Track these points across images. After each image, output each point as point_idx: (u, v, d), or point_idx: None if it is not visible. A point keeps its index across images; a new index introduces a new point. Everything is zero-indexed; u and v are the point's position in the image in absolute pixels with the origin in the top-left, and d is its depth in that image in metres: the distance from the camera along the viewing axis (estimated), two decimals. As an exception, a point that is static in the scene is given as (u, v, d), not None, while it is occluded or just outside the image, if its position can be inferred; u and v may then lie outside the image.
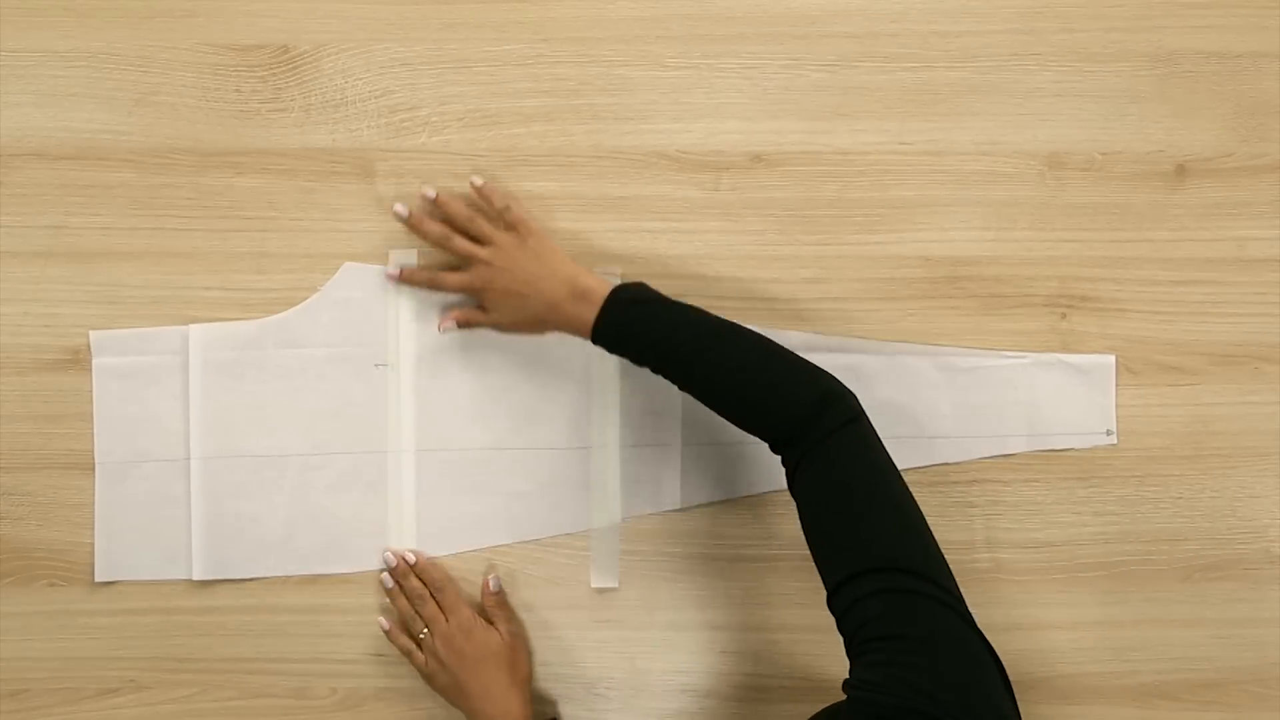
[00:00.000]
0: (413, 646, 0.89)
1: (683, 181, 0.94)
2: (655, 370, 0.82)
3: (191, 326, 0.92)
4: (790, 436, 0.77)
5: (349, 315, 0.93)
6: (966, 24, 0.94)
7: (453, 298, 0.91)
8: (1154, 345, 0.95)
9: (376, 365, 0.93)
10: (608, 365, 0.93)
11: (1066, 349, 0.95)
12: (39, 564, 0.92)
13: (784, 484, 0.93)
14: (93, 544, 0.92)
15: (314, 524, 0.93)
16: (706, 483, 0.94)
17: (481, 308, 0.89)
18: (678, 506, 0.93)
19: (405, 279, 0.91)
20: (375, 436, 0.93)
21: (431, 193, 0.90)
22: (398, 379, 0.93)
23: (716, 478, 0.94)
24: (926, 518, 0.95)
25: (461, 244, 0.88)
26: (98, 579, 0.92)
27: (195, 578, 0.92)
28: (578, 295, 0.83)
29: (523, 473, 0.93)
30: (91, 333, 0.92)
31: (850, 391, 0.79)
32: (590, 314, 0.82)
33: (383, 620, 0.91)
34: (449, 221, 0.90)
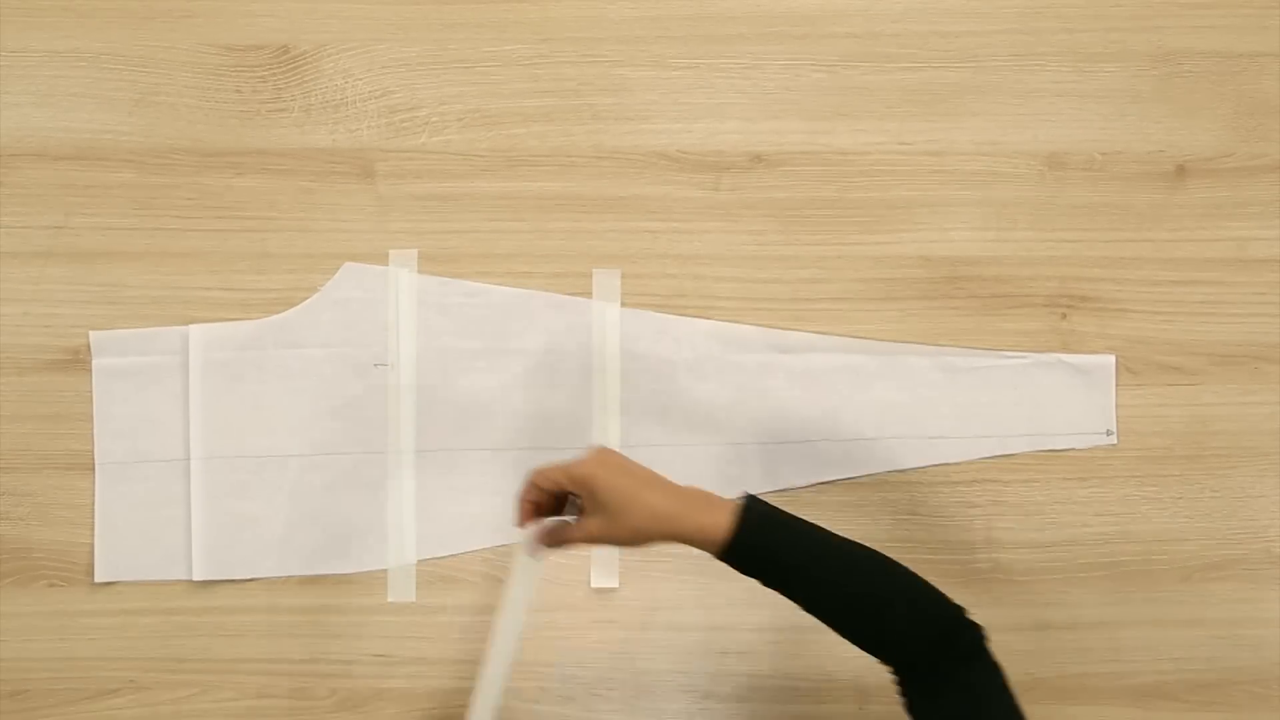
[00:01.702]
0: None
1: (683, 181, 0.94)
2: (785, 592, 0.75)
3: (191, 326, 0.92)
4: (910, 665, 0.73)
5: (349, 315, 0.93)
6: (966, 24, 0.95)
7: None
8: (1154, 345, 0.95)
9: (376, 365, 0.93)
10: (608, 366, 0.93)
11: (1067, 349, 0.95)
12: (39, 564, 0.92)
13: (784, 484, 0.94)
14: (93, 544, 0.92)
15: (314, 524, 0.93)
16: (707, 483, 0.93)
17: (580, 514, 0.74)
18: (678, 506, 0.93)
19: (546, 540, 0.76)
20: (375, 436, 0.93)
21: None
22: (398, 379, 0.93)
23: (716, 478, 0.93)
24: (926, 518, 0.95)
25: (549, 469, 0.74)
26: (98, 579, 0.92)
27: (195, 578, 0.92)
28: (706, 501, 0.73)
29: (523, 473, 0.93)
30: (91, 333, 0.92)
31: (973, 622, 0.76)
32: (723, 522, 0.72)
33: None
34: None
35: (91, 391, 0.92)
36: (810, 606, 0.75)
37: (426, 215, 0.94)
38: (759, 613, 0.92)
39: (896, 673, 0.75)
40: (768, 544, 0.74)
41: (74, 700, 0.92)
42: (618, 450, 0.77)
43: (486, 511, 0.93)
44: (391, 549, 0.93)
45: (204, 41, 0.93)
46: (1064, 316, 0.95)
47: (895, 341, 0.94)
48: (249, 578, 0.92)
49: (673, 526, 0.72)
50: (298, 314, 0.93)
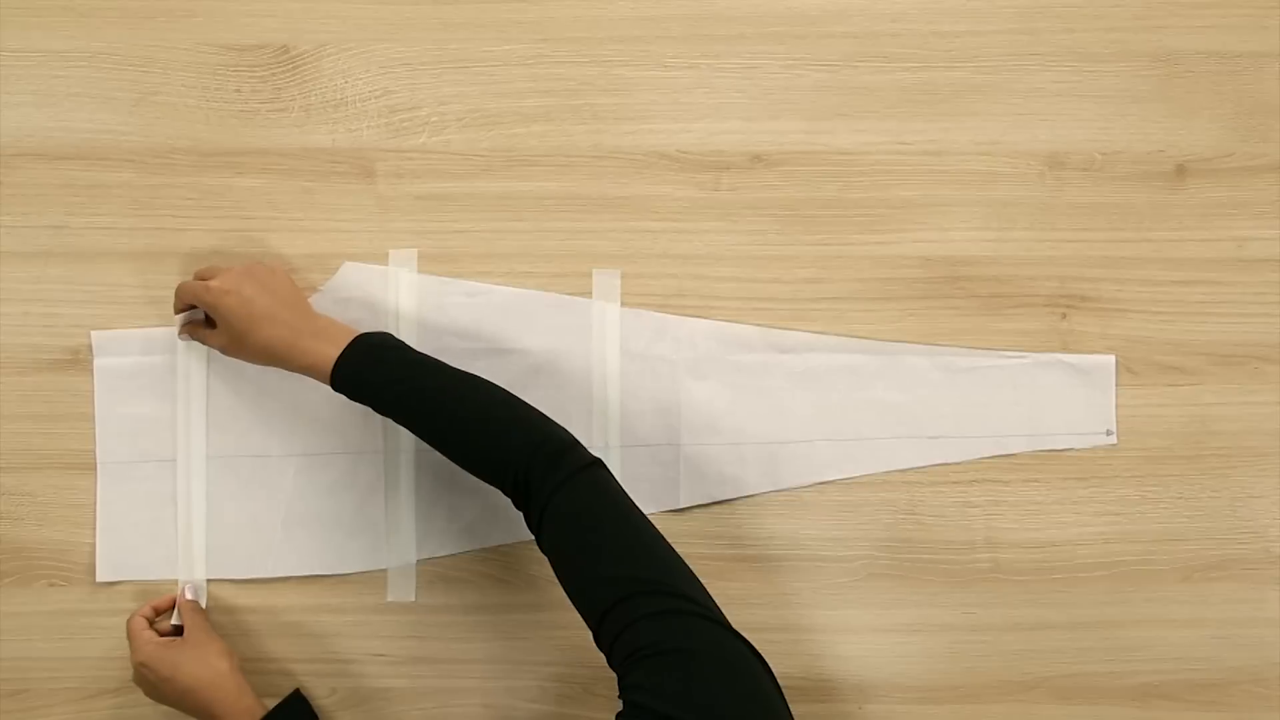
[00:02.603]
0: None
1: (683, 181, 0.94)
2: (394, 416, 0.80)
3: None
4: (530, 482, 0.75)
5: (349, 315, 0.93)
6: (966, 24, 0.95)
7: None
8: (1154, 345, 0.95)
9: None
10: (608, 366, 0.93)
11: (1066, 349, 0.95)
12: (39, 564, 0.92)
13: (784, 484, 0.94)
14: (93, 544, 0.92)
15: (314, 524, 0.93)
16: (706, 483, 0.94)
17: (204, 330, 0.87)
18: (678, 506, 0.93)
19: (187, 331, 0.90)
20: (375, 436, 0.93)
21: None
22: (398, 379, 0.93)
23: (716, 478, 0.94)
24: (926, 518, 0.95)
25: (190, 283, 0.86)
26: (98, 579, 0.92)
27: (195, 578, 0.92)
28: (315, 332, 0.82)
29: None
30: (92, 333, 0.92)
31: (579, 444, 0.78)
32: (330, 352, 0.80)
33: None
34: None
35: (91, 391, 0.92)
36: (426, 434, 0.80)
37: (426, 215, 0.94)
38: (759, 612, 0.93)
39: (517, 503, 0.77)
40: (372, 372, 0.80)
41: (74, 700, 0.92)
42: (277, 271, 0.86)
43: (486, 511, 0.93)
44: (391, 549, 0.93)
45: (204, 41, 0.93)
46: (1064, 316, 0.95)
47: (895, 341, 0.94)
48: (249, 578, 0.92)
49: (283, 360, 0.82)
50: (298, 314, 0.93)
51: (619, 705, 0.66)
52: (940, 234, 0.94)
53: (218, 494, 0.92)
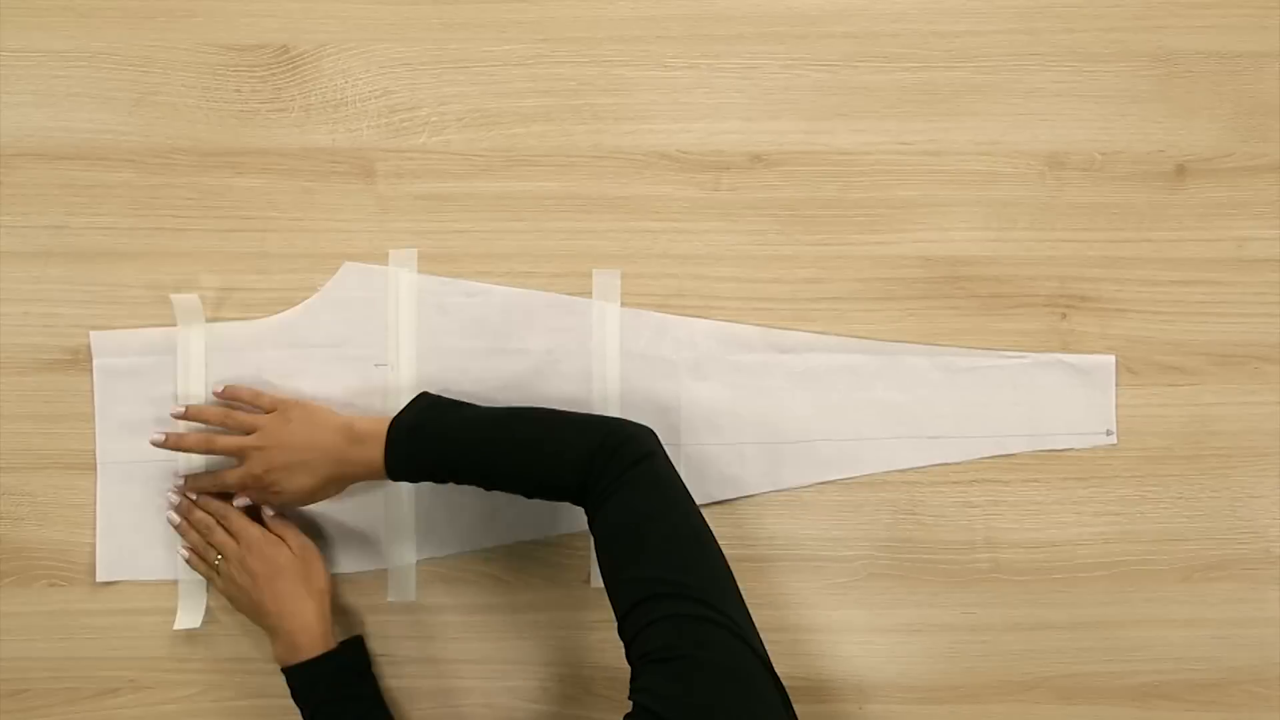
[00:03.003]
0: (213, 573, 0.89)
1: (683, 181, 0.94)
2: (460, 483, 0.81)
3: (191, 327, 0.92)
4: (583, 486, 0.77)
5: (349, 315, 0.93)
6: (966, 24, 0.95)
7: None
8: (1154, 345, 0.95)
9: (376, 365, 0.93)
10: (608, 366, 0.93)
11: (1066, 349, 0.95)
12: (39, 564, 0.92)
13: (784, 484, 0.94)
14: (93, 544, 0.92)
15: (314, 524, 0.93)
16: (706, 483, 0.93)
17: (269, 495, 0.86)
18: (678, 506, 0.93)
19: (190, 488, 0.90)
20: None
21: (180, 409, 0.89)
22: (398, 379, 0.93)
23: (716, 478, 0.94)
24: (926, 518, 0.95)
25: (226, 440, 0.87)
26: (98, 579, 0.92)
27: (196, 577, 0.92)
28: (356, 440, 0.83)
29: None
30: (92, 333, 0.92)
31: (645, 430, 0.80)
32: (376, 453, 0.82)
33: (182, 550, 0.90)
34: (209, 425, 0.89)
35: (91, 391, 0.92)
36: (490, 484, 0.81)
37: (426, 215, 0.94)
38: (758, 612, 0.92)
39: (580, 504, 0.78)
40: (415, 452, 0.81)
41: (74, 700, 0.92)
42: (290, 410, 0.87)
43: (486, 511, 0.93)
44: (391, 549, 0.93)
45: (204, 41, 0.93)
46: (1064, 316, 0.95)
47: (895, 341, 0.94)
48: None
49: (335, 488, 0.86)
50: (298, 314, 0.93)
51: (620, 705, 0.66)
52: (940, 234, 0.94)
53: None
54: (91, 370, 0.92)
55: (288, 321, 0.93)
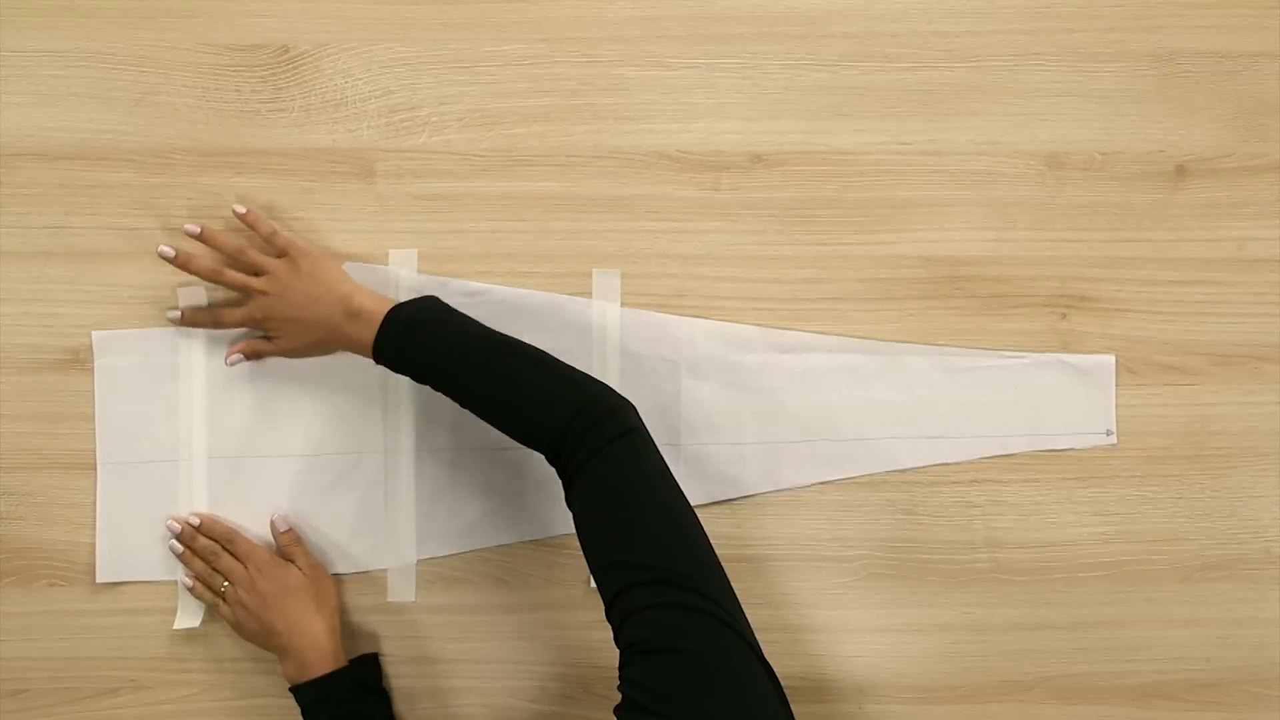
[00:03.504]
0: (218, 601, 0.89)
1: (683, 181, 0.94)
2: (437, 388, 0.81)
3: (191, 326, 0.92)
4: (562, 447, 0.76)
5: (349, 315, 0.93)
6: (966, 24, 0.95)
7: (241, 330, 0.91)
8: (1154, 345, 0.95)
9: (376, 365, 0.93)
10: (608, 366, 0.93)
11: (1066, 349, 0.95)
12: (39, 564, 0.92)
13: (784, 484, 0.94)
14: (93, 544, 0.92)
15: (314, 524, 0.93)
16: (706, 483, 0.94)
17: (267, 337, 0.89)
18: (678, 506, 0.93)
19: (188, 321, 0.90)
20: (375, 436, 0.93)
21: (196, 228, 0.89)
22: (397, 379, 0.93)
23: (717, 478, 0.94)
24: (925, 518, 0.95)
25: (235, 276, 0.88)
26: (98, 579, 0.92)
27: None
28: (352, 315, 0.83)
29: (522, 473, 0.93)
30: (94, 333, 0.92)
31: (628, 404, 0.79)
32: (368, 334, 0.82)
33: (184, 578, 0.90)
34: (219, 254, 0.90)
35: (91, 391, 0.92)
36: (463, 400, 0.81)
37: (426, 215, 0.94)
38: (758, 612, 0.92)
39: (551, 463, 0.78)
40: (408, 342, 0.82)
41: (74, 700, 0.92)
42: (302, 258, 0.87)
43: (486, 511, 0.93)
44: (391, 549, 0.93)
45: (204, 41, 0.93)
46: (1064, 316, 0.95)
47: (895, 341, 0.94)
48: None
49: (324, 351, 0.88)
50: (298, 314, 0.93)
51: (618, 697, 0.66)
52: (940, 234, 0.94)
53: (218, 494, 0.92)
54: (92, 370, 0.92)
55: (288, 321, 0.93)
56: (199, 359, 0.92)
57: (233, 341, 0.91)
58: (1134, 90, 0.95)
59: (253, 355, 0.90)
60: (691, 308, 0.94)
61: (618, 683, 0.68)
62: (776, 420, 0.94)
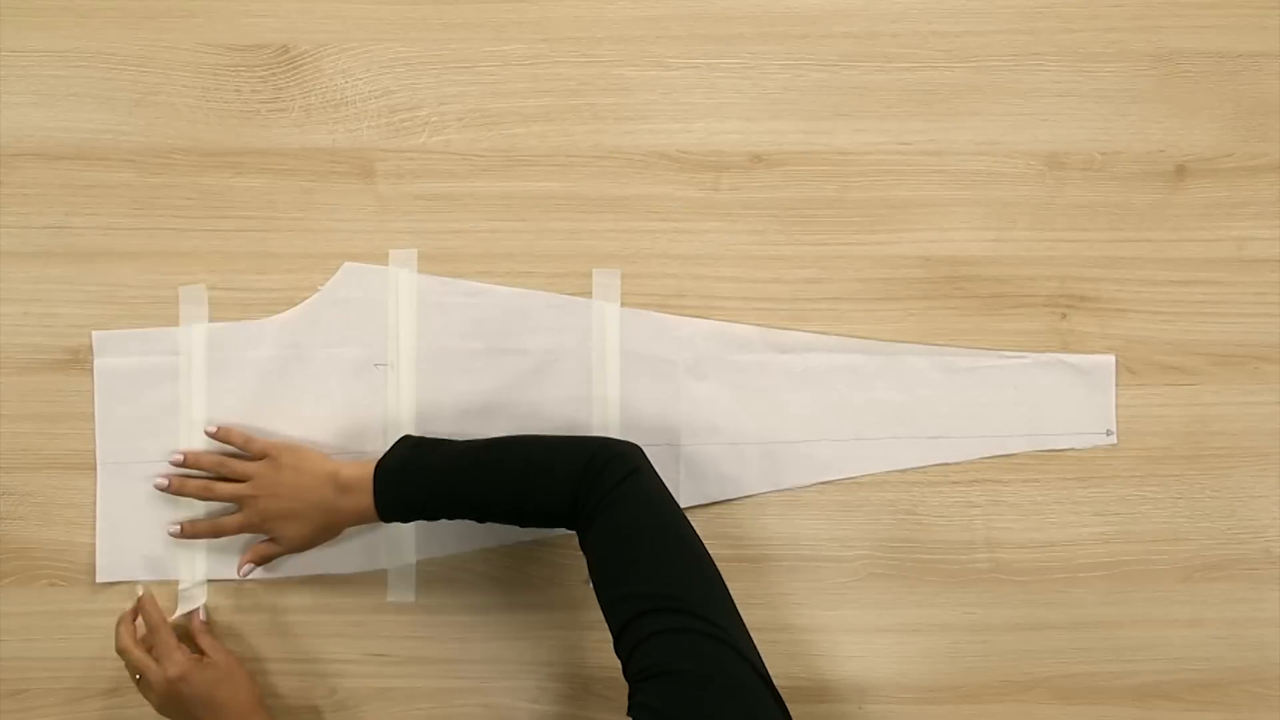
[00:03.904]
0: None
1: (683, 181, 0.94)
2: (451, 514, 0.82)
3: (192, 326, 0.92)
4: (573, 509, 0.77)
5: (349, 315, 0.93)
6: (966, 24, 0.95)
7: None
8: (1154, 345, 0.95)
9: (376, 365, 0.93)
10: (608, 366, 0.93)
11: (1066, 349, 0.95)
12: (39, 564, 0.92)
13: (784, 484, 0.94)
14: (93, 544, 0.92)
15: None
16: (706, 483, 0.94)
17: (271, 540, 0.88)
18: (678, 506, 0.93)
19: (188, 534, 0.90)
20: (375, 436, 0.93)
21: (178, 455, 0.90)
22: (397, 379, 0.93)
23: (716, 478, 0.94)
24: (926, 518, 0.95)
25: (223, 488, 0.88)
26: (98, 579, 0.92)
27: (196, 578, 0.92)
28: (342, 489, 0.84)
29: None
30: (93, 333, 0.92)
31: (631, 446, 0.80)
32: (365, 500, 0.82)
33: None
34: (204, 472, 0.90)
35: (91, 391, 0.92)
36: (482, 517, 0.81)
37: (426, 215, 0.94)
38: (758, 613, 0.92)
39: (571, 528, 0.78)
40: (402, 498, 0.82)
41: (74, 700, 0.92)
42: (282, 454, 0.87)
43: (486, 511, 0.93)
44: (391, 549, 0.93)
45: (204, 41, 0.93)
46: (1064, 316, 0.95)
47: (895, 341, 0.94)
48: (249, 578, 0.92)
49: (329, 535, 0.87)
50: (298, 314, 0.93)
51: (619, 705, 0.66)
52: (940, 234, 0.94)
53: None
54: (92, 370, 0.92)
55: (288, 321, 0.93)
56: (199, 359, 0.92)
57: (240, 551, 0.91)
58: (1134, 90, 0.95)
59: (262, 560, 0.90)
60: (691, 308, 0.94)
61: (627, 709, 0.68)
62: (776, 420, 0.94)
